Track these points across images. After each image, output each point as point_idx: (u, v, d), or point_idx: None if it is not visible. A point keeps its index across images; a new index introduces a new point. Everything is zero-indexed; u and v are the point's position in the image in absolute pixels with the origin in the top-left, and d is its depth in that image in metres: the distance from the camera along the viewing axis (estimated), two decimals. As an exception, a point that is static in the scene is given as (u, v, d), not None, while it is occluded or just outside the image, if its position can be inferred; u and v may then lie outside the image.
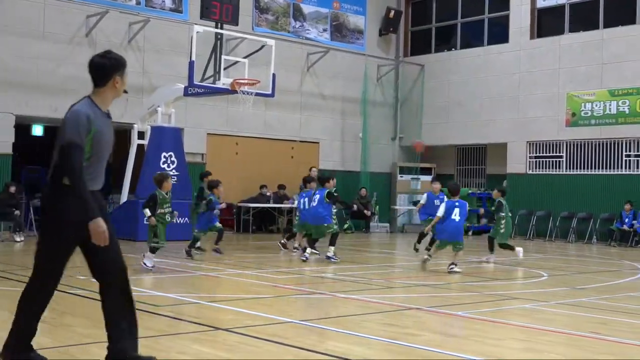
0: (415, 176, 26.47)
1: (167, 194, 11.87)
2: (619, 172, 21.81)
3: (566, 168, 22.98)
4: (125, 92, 5.18)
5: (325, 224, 13.85)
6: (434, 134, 25.94)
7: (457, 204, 12.51)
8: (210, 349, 6.04)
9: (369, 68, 25.61)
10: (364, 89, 25.45)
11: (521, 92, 23.70)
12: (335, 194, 14.03)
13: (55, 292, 5.04)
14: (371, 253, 16.60)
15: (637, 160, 21.60)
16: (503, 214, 14.56)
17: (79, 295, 8.60)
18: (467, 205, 12.82)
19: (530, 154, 23.77)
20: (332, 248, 13.64)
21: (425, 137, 26.11)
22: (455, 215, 12.44)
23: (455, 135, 25.52)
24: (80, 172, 4.71)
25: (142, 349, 5.05)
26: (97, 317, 7.44)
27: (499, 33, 24.96)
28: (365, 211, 23.87)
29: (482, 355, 6.05)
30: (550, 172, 23.07)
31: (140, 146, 18.77)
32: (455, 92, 25.40)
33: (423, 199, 15.65)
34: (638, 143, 21.57)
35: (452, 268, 12.27)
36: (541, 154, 23.57)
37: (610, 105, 21.91)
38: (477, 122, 24.77)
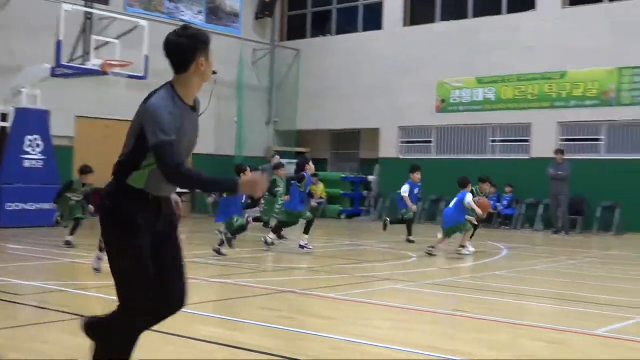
0: (291, 160, 26.57)
1: (83, 185, 12.96)
2: (484, 157, 22.74)
3: (436, 152, 23.76)
4: (214, 72, 4.27)
5: (298, 210, 13.51)
6: (309, 118, 26.15)
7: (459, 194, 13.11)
8: (77, 337, 5.84)
9: (244, 51, 25.46)
10: (239, 73, 25.28)
11: (394, 79, 24.20)
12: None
13: None
14: (243, 237, 16.54)
15: (501, 145, 22.62)
16: None
17: None
18: (467, 194, 12.89)
19: (401, 138, 24.40)
20: (306, 236, 13.26)
21: (300, 121, 26.30)
22: (451, 203, 13.12)
23: (330, 120, 25.81)
24: (182, 168, 3.93)
25: (5, 340, 4.82)
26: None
27: (374, 19, 25.39)
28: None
29: (351, 335, 6.17)
30: (421, 157, 23.73)
31: (2, 128, 17.94)
32: (330, 77, 25.65)
33: (405, 190, 15.00)
34: (501, 129, 22.57)
35: (459, 250, 13.03)
36: (412, 139, 24.25)
37: (477, 92, 22.78)
38: (351, 107, 25.14)
